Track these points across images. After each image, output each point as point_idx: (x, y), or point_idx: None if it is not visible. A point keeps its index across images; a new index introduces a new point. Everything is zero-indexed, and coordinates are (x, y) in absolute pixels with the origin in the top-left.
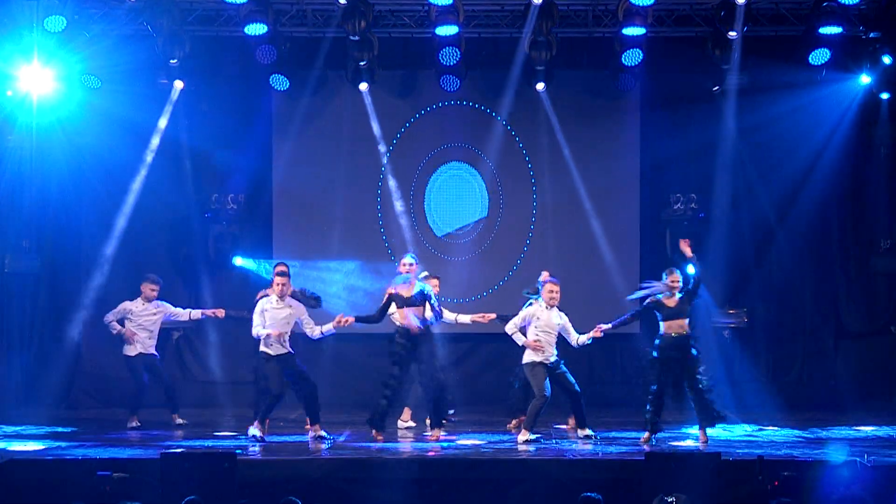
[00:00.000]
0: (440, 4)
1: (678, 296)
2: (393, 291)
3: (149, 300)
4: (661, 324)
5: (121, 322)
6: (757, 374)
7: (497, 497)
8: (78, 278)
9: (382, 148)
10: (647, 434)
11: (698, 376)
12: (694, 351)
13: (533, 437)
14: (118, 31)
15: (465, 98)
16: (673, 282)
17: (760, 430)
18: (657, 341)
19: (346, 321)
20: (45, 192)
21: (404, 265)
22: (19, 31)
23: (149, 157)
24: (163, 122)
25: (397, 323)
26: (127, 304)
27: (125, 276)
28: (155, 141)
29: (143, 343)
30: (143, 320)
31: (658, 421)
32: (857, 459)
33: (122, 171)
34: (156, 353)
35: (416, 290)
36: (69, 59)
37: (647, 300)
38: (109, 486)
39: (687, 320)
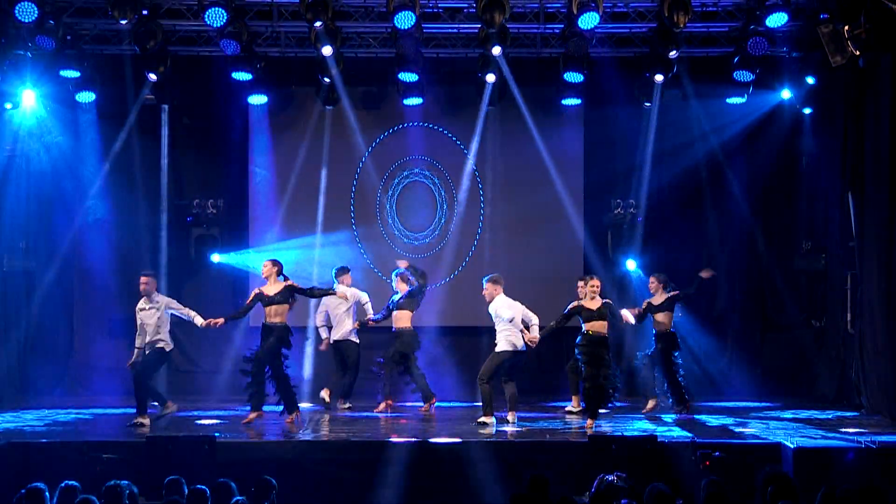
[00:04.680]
0: (403, 28)
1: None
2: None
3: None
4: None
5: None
6: (689, 363)
7: (454, 477)
8: (69, 277)
9: (349, 157)
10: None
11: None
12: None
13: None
14: (106, 51)
15: (424, 114)
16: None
17: (694, 415)
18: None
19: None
20: (40, 198)
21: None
22: (12, 48)
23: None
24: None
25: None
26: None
27: (114, 276)
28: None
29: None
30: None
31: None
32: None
33: (109, 180)
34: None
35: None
36: (59, 76)
37: (569, 306)
38: (100, 467)
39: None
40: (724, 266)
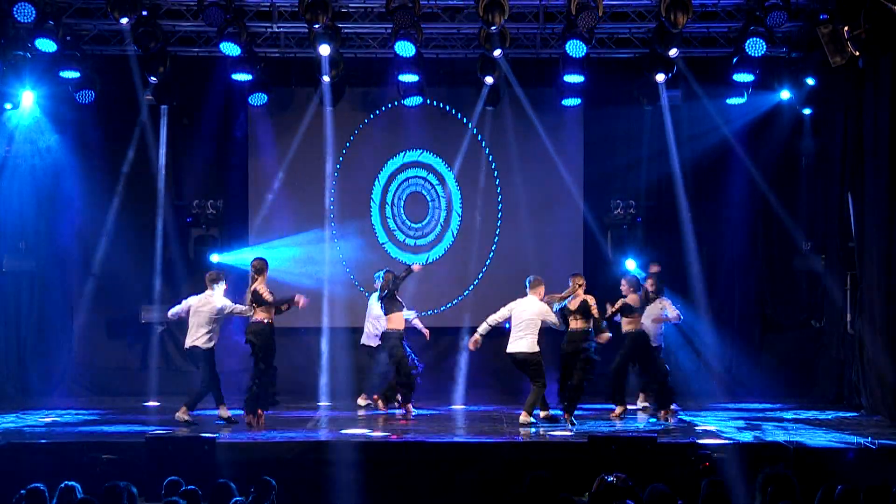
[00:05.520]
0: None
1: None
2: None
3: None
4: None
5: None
6: (690, 364)
7: (453, 476)
8: (69, 278)
9: (348, 156)
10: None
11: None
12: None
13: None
14: (106, 52)
15: (425, 113)
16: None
17: (693, 415)
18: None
19: None
20: (39, 198)
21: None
22: (11, 49)
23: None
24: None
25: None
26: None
27: (114, 276)
28: (136, 154)
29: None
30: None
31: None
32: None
33: (108, 181)
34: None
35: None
36: (58, 77)
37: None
38: (100, 467)
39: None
40: (722, 267)
